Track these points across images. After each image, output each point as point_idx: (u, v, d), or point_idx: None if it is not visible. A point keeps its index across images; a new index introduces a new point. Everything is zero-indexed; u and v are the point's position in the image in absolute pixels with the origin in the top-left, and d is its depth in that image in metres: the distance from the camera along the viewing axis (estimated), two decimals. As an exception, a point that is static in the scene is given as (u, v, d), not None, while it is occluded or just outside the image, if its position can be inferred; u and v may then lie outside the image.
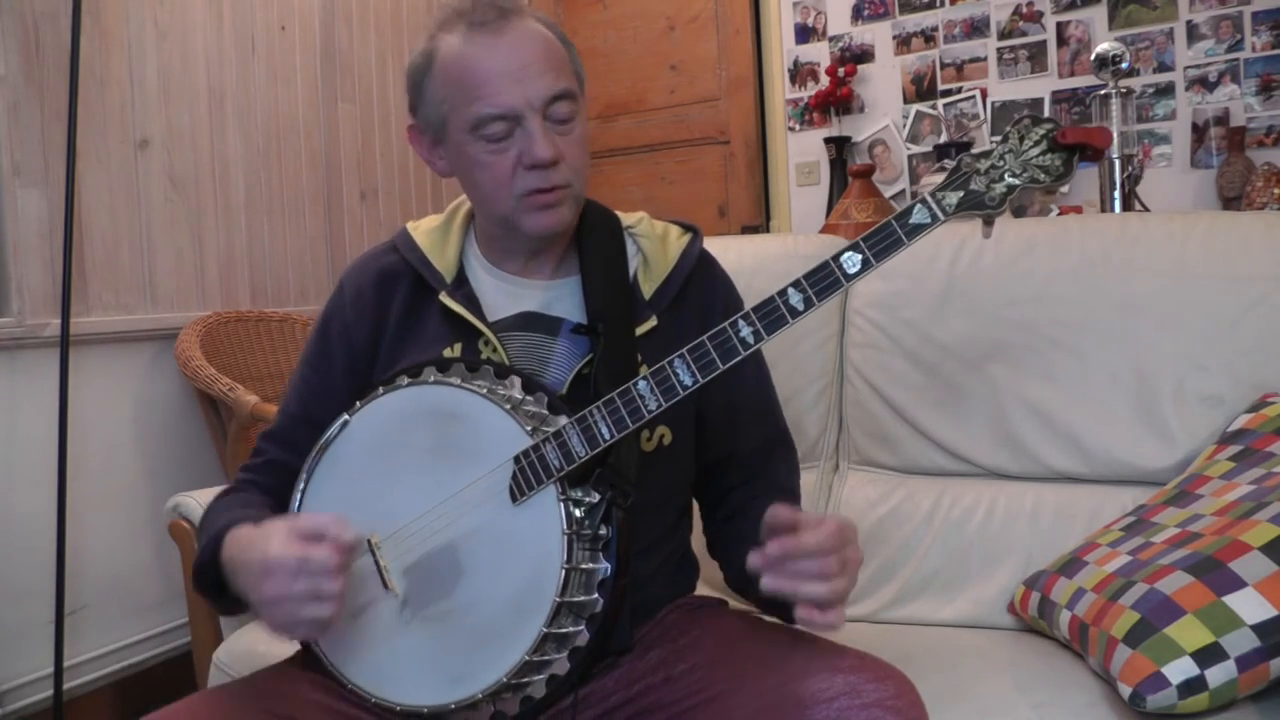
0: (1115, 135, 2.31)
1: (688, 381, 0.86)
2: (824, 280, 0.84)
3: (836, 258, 0.84)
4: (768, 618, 1.01)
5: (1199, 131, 2.63)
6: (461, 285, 1.06)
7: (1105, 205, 2.35)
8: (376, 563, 0.92)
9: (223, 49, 2.42)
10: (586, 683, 0.92)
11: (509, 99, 0.95)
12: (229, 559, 0.92)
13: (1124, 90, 2.36)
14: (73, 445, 1.99)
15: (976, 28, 2.91)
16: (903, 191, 3.03)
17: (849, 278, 0.84)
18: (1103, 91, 2.36)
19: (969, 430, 1.47)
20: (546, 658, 0.86)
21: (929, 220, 0.84)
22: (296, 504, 0.99)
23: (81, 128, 2.03)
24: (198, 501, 1.43)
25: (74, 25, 1.97)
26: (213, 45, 2.39)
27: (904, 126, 3.02)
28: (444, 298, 1.03)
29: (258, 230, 2.51)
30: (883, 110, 3.06)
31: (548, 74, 0.96)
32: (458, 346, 1.01)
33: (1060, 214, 2.72)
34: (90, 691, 2.03)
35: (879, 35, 3.05)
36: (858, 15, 3.07)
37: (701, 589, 1.16)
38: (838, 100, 3.03)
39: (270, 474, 1.07)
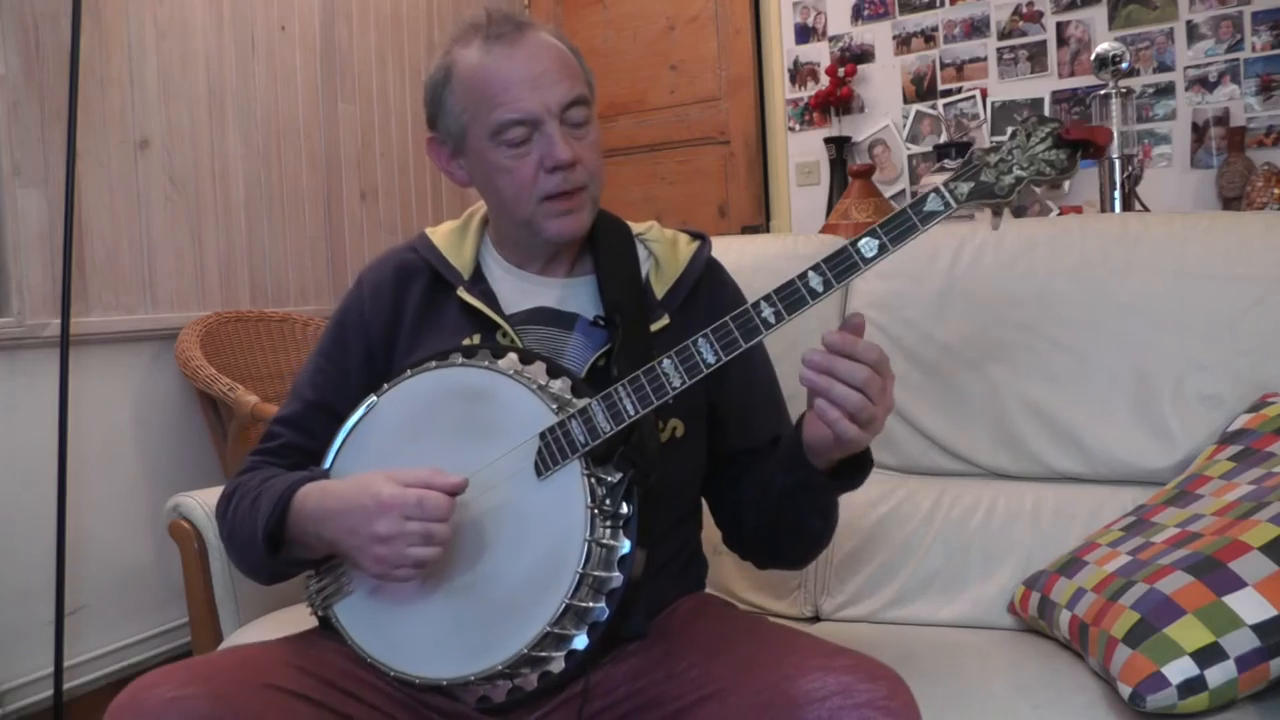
0: (1115, 135, 2.31)
1: (710, 359, 0.88)
2: (843, 263, 0.87)
3: (855, 242, 0.87)
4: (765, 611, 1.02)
5: (1199, 131, 2.63)
6: (478, 281, 1.09)
7: (1105, 205, 2.35)
8: None
9: (223, 49, 2.42)
10: (598, 669, 0.94)
11: (528, 105, 0.99)
12: (309, 511, 0.95)
13: (1124, 90, 2.36)
14: (73, 445, 1.99)
15: (976, 28, 2.91)
16: (903, 191, 3.03)
17: (866, 261, 0.87)
18: (1103, 91, 2.37)
19: (969, 430, 1.47)
20: (566, 632, 0.88)
21: (942, 208, 0.87)
22: None
23: (81, 128, 2.03)
24: (198, 501, 1.43)
25: (74, 25, 1.97)
26: (213, 45, 2.39)
27: (904, 126, 3.02)
28: (461, 292, 1.06)
29: (258, 230, 2.51)
30: (883, 110, 3.06)
31: (564, 81, 1.01)
32: (476, 338, 1.04)
33: (1060, 214, 2.72)
34: (90, 691, 2.03)
35: (879, 35, 3.05)
36: (858, 15, 3.07)
37: (709, 591, 1.17)
38: (838, 100, 3.03)
39: (286, 457, 1.09)
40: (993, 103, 2.88)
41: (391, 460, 0.95)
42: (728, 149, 3.32)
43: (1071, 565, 1.22)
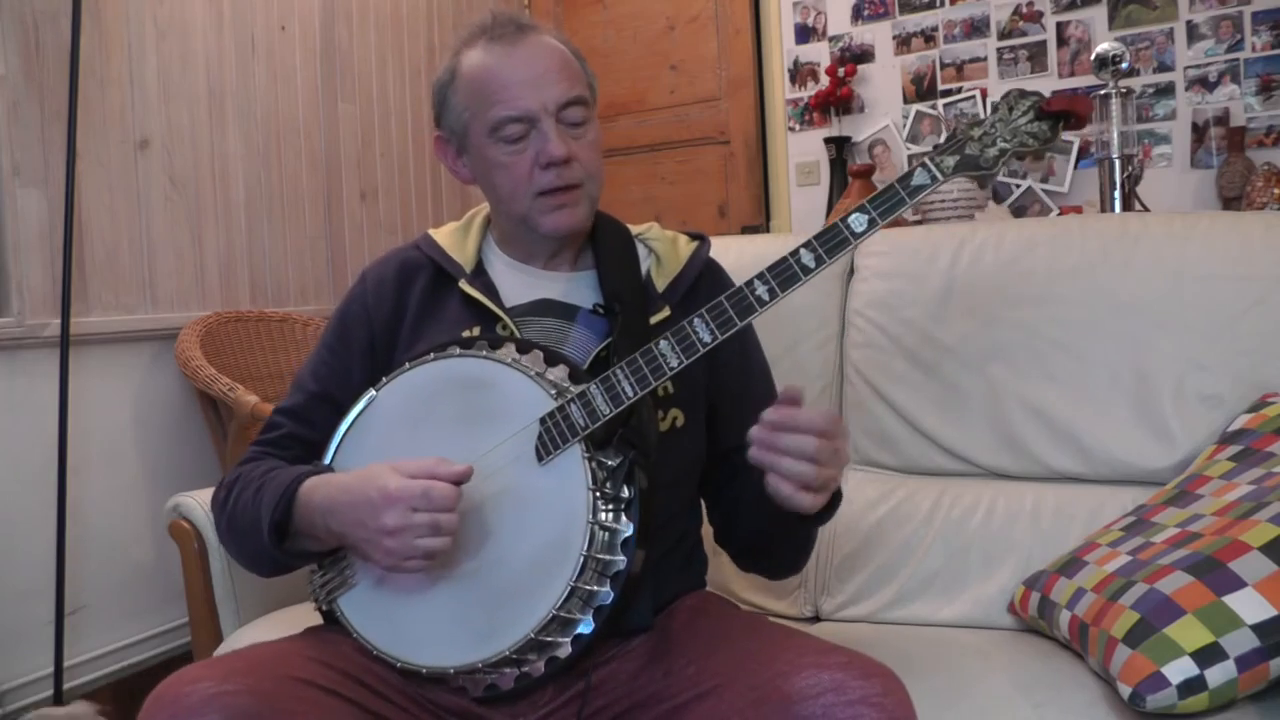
0: (1115, 135, 2.31)
1: (707, 338, 0.89)
2: (833, 239, 0.88)
3: (845, 219, 0.88)
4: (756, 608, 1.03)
5: (1199, 131, 2.63)
6: (480, 275, 1.11)
7: (1105, 205, 2.35)
8: None
9: (223, 49, 2.42)
10: (601, 667, 0.94)
11: (525, 102, 1.02)
12: (316, 504, 0.95)
13: (1124, 90, 2.36)
14: (73, 445, 1.99)
15: (976, 28, 2.91)
16: (903, 191, 3.02)
17: (856, 236, 0.88)
18: (1103, 91, 2.37)
19: (969, 430, 1.47)
20: (572, 616, 0.88)
21: (929, 181, 0.89)
22: None
23: (81, 128, 2.03)
24: (197, 501, 1.43)
25: (74, 25, 1.97)
26: (213, 45, 2.39)
27: (904, 126, 3.02)
28: (464, 285, 1.09)
29: (258, 230, 2.51)
30: (883, 110, 3.06)
31: (562, 82, 1.04)
32: (476, 330, 1.06)
33: (1060, 214, 2.72)
34: (90, 691, 2.03)
35: (879, 35, 3.05)
36: (858, 15, 3.07)
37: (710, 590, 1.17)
38: (838, 100, 3.03)
39: (288, 448, 1.10)
40: (993, 103, 2.88)
41: (393, 452, 0.96)
42: (728, 149, 3.32)
43: (1071, 565, 1.22)
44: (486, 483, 0.92)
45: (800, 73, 3.18)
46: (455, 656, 0.90)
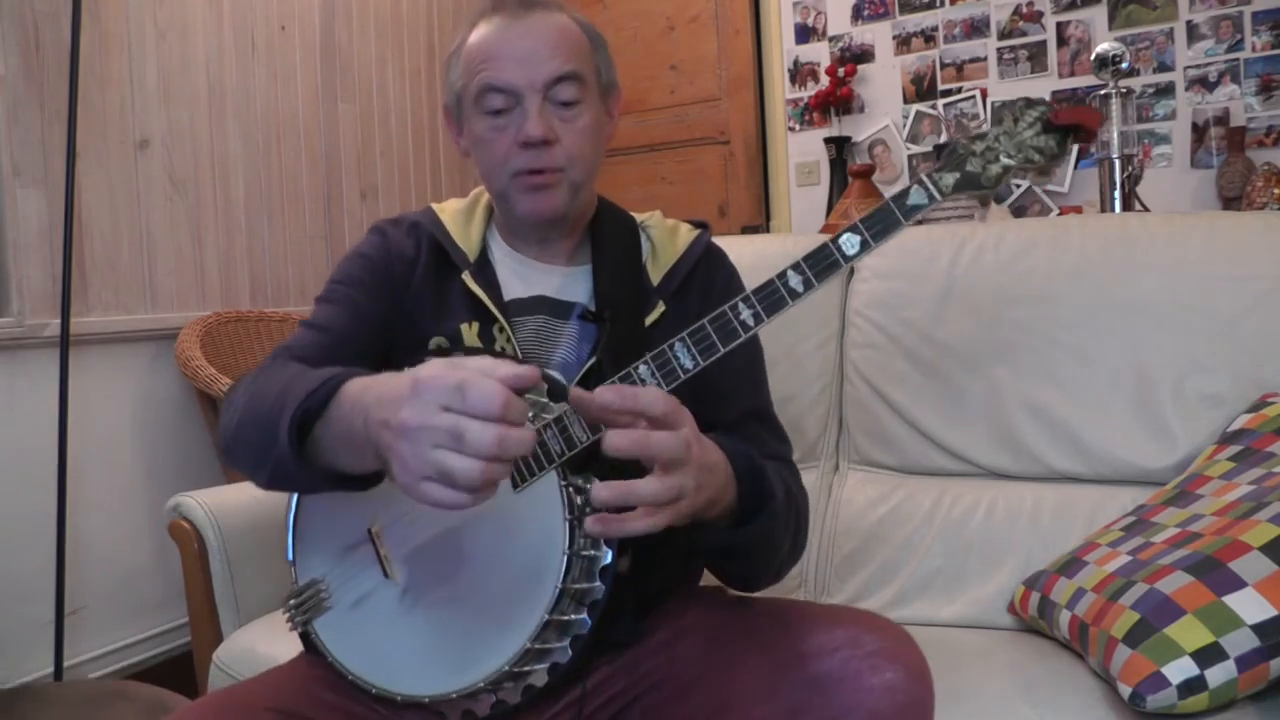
0: (1115, 135, 2.31)
1: (688, 364, 0.85)
2: (823, 262, 0.84)
3: (835, 239, 0.85)
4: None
5: (1199, 131, 2.63)
6: (483, 267, 1.09)
7: (1105, 205, 2.35)
8: (377, 551, 0.92)
9: (223, 49, 2.42)
10: (594, 672, 0.93)
11: (509, 75, 0.99)
12: (353, 395, 0.77)
13: (1124, 90, 2.36)
14: (73, 445, 1.98)
15: (976, 28, 2.91)
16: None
17: (847, 258, 0.84)
18: (1103, 91, 2.37)
19: (969, 430, 1.47)
20: (548, 645, 0.86)
21: (925, 201, 0.85)
22: (291, 511, 0.98)
23: (81, 128, 2.03)
24: (198, 501, 1.43)
25: (74, 25, 1.97)
26: (213, 45, 2.39)
27: (904, 126, 3.02)
28: (466, 278, 1.06)
29: (258, 230, 2.51)
30: (883, 110, 3.06)
31: (554, 58, 1.00)
32: (474, 325, 1.04)
33: (1060, 214, 2.72)
34: (90, 691, 2.03)
35: (879, 35, 3.05)
36: (858, 15, 3.07)
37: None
38: (838, 100, 3.03)
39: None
40: (993, 103, 2.88)
41: (351, 496, 0.89)
42: (728, 149, 3.32)
43: (1071, 565, 1.22)
44: None
45: (800, 73, 3.18)
46: (430, 685, 0.88)
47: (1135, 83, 2.67)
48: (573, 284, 1.09)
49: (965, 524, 1.42)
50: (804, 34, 3.17)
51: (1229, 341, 1.33)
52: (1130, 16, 2.71)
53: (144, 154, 2.21)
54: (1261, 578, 0.99)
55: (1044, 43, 2.82)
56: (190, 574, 1.43)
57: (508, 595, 0.86)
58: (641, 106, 3.40)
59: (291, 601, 0.98)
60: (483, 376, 0.66)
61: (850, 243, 0.84)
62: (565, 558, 0.84)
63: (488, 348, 1.03)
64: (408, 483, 0.69)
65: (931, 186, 0.85)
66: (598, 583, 0.87)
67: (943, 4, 2.94)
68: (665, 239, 1.12)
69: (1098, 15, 2.75)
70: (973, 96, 2.91)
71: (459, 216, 1.13)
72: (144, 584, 2.17)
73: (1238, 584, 0.99)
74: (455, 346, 1.03)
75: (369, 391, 0.75)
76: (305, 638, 0.99)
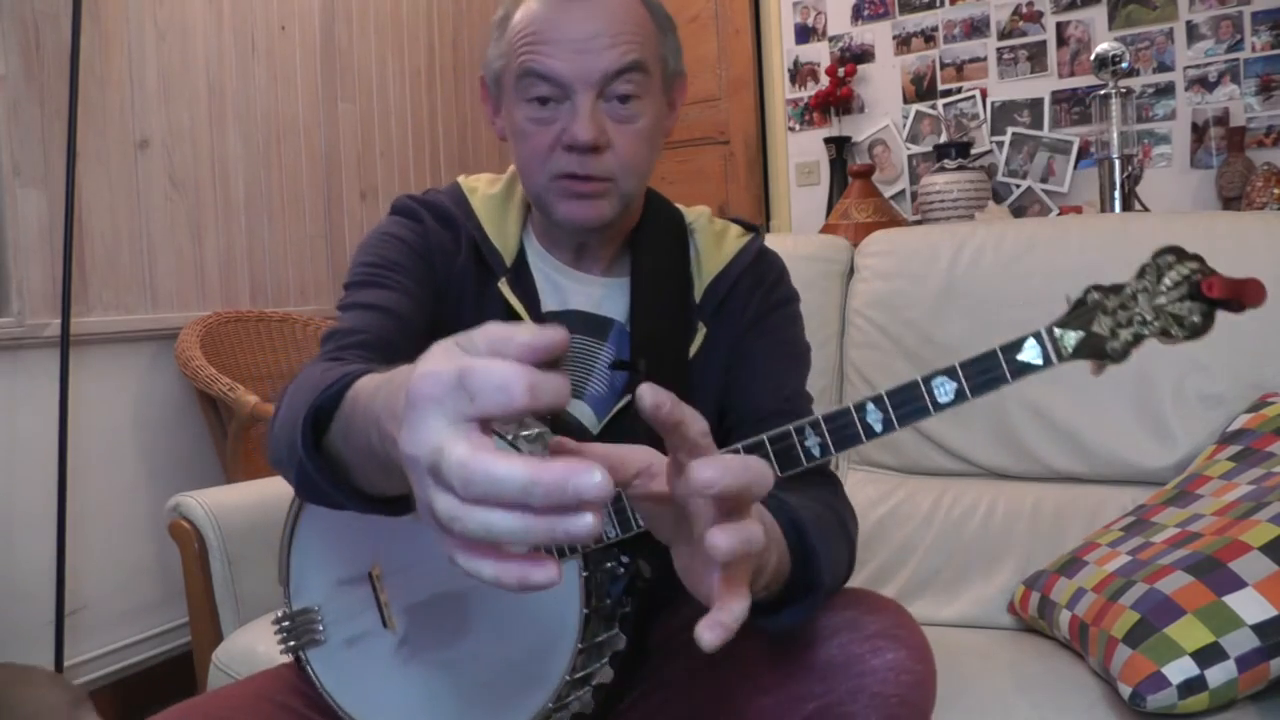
0: (1115, 135, 2.31)
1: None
2: (910, 404, 0.73)
3: (928, 380, 0.72)
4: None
5: (1199, 131, 2.63)
6: (520, 273, 0.97)
7: (1105, 205, 2.35)
8: (376, 596, 0.88)
9: (223, 49, 2.42)
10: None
11: (559, 66, 0.85)
12: (364, 409, 0.58)
13: (1124, 90, 2.36)
14: (73, 445, 1.99)
15: (976, 28, 2.91)
16: (903, 191, 3.03)
17: (939, 406, 0.72)
18: (1103, 91, 2.37)
19: (969, 430, 1.47)
20: None
21: (1040, 363, 0.71)
22: (289, 529, 0.94)
23: (81, 128, 2.03)
24: (198, 501, 1.43)
25: (74, 25, 1.97)
26: (213, 45, 2.39)
27: (904, 126, 3.02)
28: (503, 286, 0.95)
29: (258, 230, 2.51)
30: (883, 110, 3.06)
31: (616, 48, 0.85)
32: None
33: (1060, 214, 2.72)
34: (90, 691, 2.03)
35: (879, 35, 3.05)
36: (858, 15, 3.07)
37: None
38: (838, 100, 3.03)
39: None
40: (993, 103, 2.89)
41: (355, 530, 0.85)
42: (728, 149, 3.32)
43: (1071, 565, 1.22)
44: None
45: (800, 73, 3.18)
46: None
47: (1135, 83, 2.67)
48: (610, 298, 0.97)
49: (965, 524, 1.42)
50: (804, 34, 3.17)
51: (1229, 341, 1.33)
52: (1130, 16, 2.71)
53: (144, 154, 2.21)
54: (1261, 578, 0.99)
55: (1044, 43, 2.82)
56: (190, 574, 1.43)
57: (509, 672, 0.82)
58: (641, 106, 3.40)
59: (285, 624, 0.95)
60: (491, 360, 0.43)
61: (944, 389, 0.72)
62: (576, 649, 0.79)
63: None
64: (436, 535, 0.47)
65: (1050, 347, 0.72)
66: (606, 667, 0.83)
67: (943, 4, 2.94)
68: (710, 247, 0.99)
69: (1098, 15, 2.75)
70: (973, 96, 2.91)
71: (494, 210, 0.99)
72: (144, 584, 2.17)
73: (1238, 584, 0.99)
74: None
75: (377, 396, 0.55)
76: (296, 659, 0.96)
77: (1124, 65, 2.33)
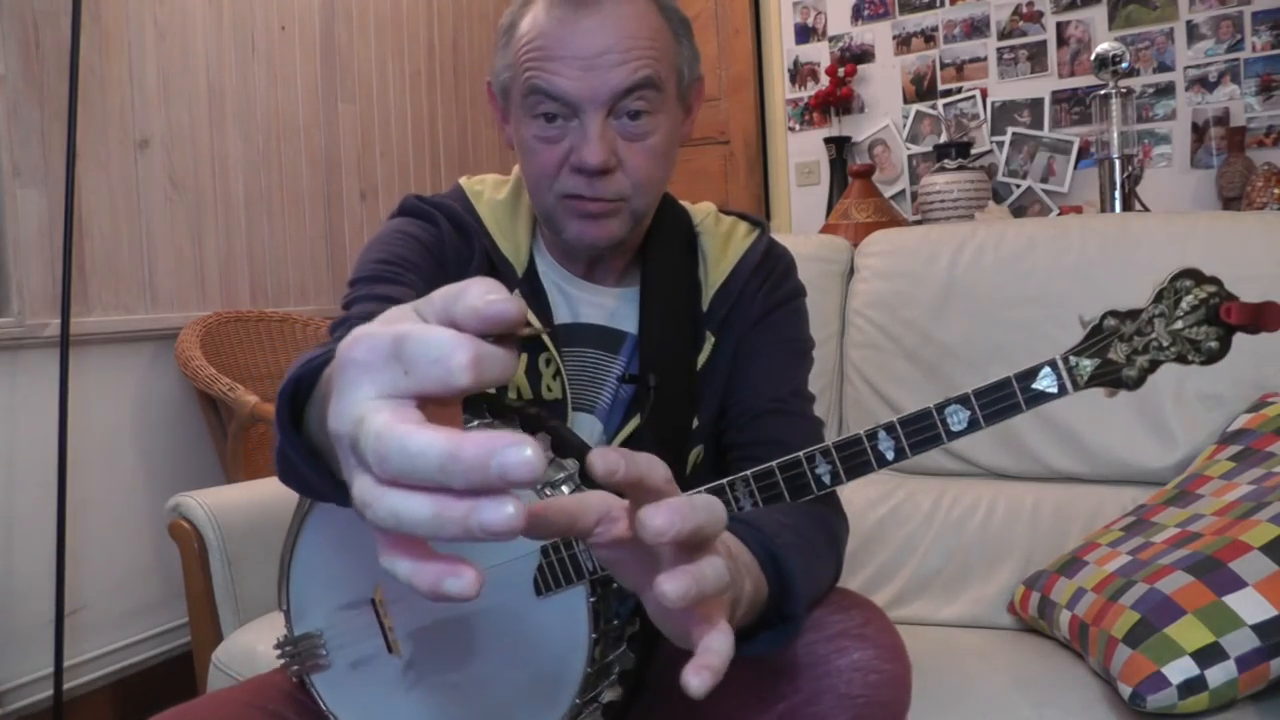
0: (1115, 135, 2.31)
1: (747, 506, 0.75)
2: (922, 432, 0.73)
3: (940, 409, 0.73)
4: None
5: (1199, 131, 2.63)
6: (532, 284, 0.94)
7: (1105, 205, 2.35)
8: (380, 621, 0.86)
9: (223, 49, 2.42)
10: None
11: (566, 85, 0.82)
12: (325, 387, 0.52)
13: (1124, 90, 2.36)
14: (73, 445, 1.99)
15: (976, 28, 2.91)
16: (903, 191, 3.03)
17: (952, 434, 0.73)
18: (1103, 91, 2.37)
19: (969, 430, 1.47)
20: None
21: (1056, 391, 0.71)
22: (287, 554, 0.93)
23: (81, 128, 2.03)
24: (198, 501, 1.43)
25: (74, 25, 1.97)
26: (213, 45, 2.39)
27: (904, 126, 3.02)
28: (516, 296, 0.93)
29: (258, 230, 2.51)
30: (883, 110, 3.06)
31: (627, 64, 0.82)
32: (523, 357, 0.91)
33: (1060, 214, 2.72)
34: (90, 691, 2.03)
35: (879, 35, 3.05)
36: (858, 15, 3.07)
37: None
38: (838, 100, 3.03)
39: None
40: (993, 103, 2.89)
41: (355, 554, 0.83)
42: (728, 149, 3.32)
43: (1071, 565, 1.22)
44: (479, 597, 0.83)
45: (800, 73, 3.18)
46: None
47: (1135, 83, 2.67)
48: (623, 309, 0.95)
49: (965, 524, 1.42)
50: (804, 34, 3.17)
51: (1229, 341, 1.33)
52: (1130, 16, 2.71)
53: (144, 154, 2.21)
54: (1261, 578, 0.99)
55: (1044, 43, 2.82)
56: (190, 574, 1.43)
57: (520, 697, 0.81)
58: (641, 106, 3.40)
59: (288, 648, 0.94)
60: (430, 328, 0.37)
61: (957, 417, 0.72)
62: (585, 674, 0.78)
63: (533, 383, 0.91)
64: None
65: (1066, 375, 0.71)
66: (617, 687, 0.82)
67: (943, 4, 2.94)
68: (718, 251, 0.96)
69: (1098, 15, 2.75)
70: (973, 96, 2.91)
71: (502, 218, 0.95)
72: (144, 584, 2.17)
73: (1238, 584, 0.99)
74: (528, 364, 0.89)
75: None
76: (300, 683, 0.95)
77: (1124, 65, 2.33)
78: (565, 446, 0.80)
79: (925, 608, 1.39)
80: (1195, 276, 0.71)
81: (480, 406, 0.83)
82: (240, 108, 2.46)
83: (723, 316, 0.95)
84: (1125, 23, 2.72)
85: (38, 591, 1.94)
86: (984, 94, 2.90)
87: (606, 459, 0.48)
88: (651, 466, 0.50)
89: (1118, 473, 1.38)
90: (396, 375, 0.37)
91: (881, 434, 0.72)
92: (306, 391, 0.57)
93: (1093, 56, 2.41)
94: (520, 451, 0.34)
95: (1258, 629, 0.96)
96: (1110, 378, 0.71)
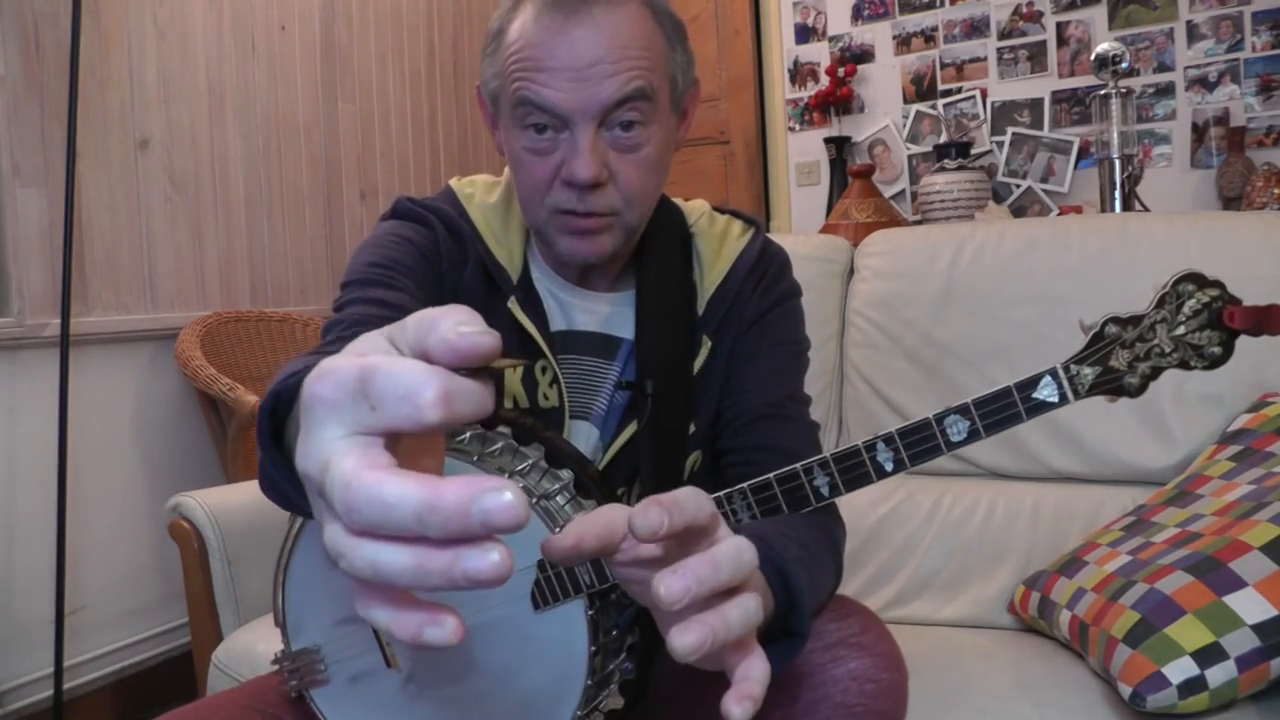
0: (1115, 135, 2.31)
1: (745, 519, 0.75)
2: (920, 444, 0.72)
3: (940, 419, 0.71)
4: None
5: (1199, 131, 2.63)
6: (527, 290, 0.93)
7: (1105, 205, 2.35)
8: (378, 636, 0.86)
9: (223, 49, 2.42)
10: None
11: (556, 97, 0.80)
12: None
13: (1124, 90, 2.36)
14: (73, 445, 1.99)
15: (976, 28, 2.91)
16: (903, 191, 3.03)
17: (951, 444, 0.71)
18: (1103, 91, 2.37)
19: (969, 430, 1.47)
20: None
21: (1057, 400, 0.70)
22: (281, 569, 0.93)
23: (81, 128, 2.03)
24: (198, 501, 1.43)
25: (74, 25, 1.97)
26: (213, 45, 2.39)
27: (904, 126, 3.02)
28: (513, 305, 0.90)
29: (258, 230, 2.51)
30: (883, 110, 3.06)
31: (618, 75, 0.80)
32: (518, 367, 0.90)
33: (1060, 214, 2.72)
34: (90, 691, 2.03)
35: (879, 35, 3.05)
36: (858, 15, 3.07)
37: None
38: (838, 100, 3.03)
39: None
40: (993, 103, 2.89)
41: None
42: (728, 149, 3.32)
43: (1071, 565, 1.22)
44: (474, 613, 0.83)
45: (800, 73, 3.18)
46: None
47: (1135, 83, 2.67)
48: (618, 315, 0.94)
49: (965, 524, 1.42)
50: (804, 34, 3.17)
51: (1229, 341, 1.33)
52: (1130, 16, 2.71)
53: (144, 154, 2.21)
54: (1261, 578, 0.99)
55: (1044, 43, 2.82)
56: (190, 574, 1.43)
57: (521, 710, 0.81)
58: (641, 106, 3.40)
59: (286, 665, 0.93)
60: (398, 361, 0.35)
61: (957, 428, 0.71)
62: (585, 688, 0.78)
63: (529, 391, 0.90)
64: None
65: (1067, 384, 0.70)
66: (619, 697, 0.82)
67: (943, 4, 2.94)
68: (712, 253, 0.95)
69: (1098, 15, 2.75)
70: (973, 96, 2.91)
71: (495, 223, 0.93)
72: (144, 584, 2.17)
73: (1238, 584, 0.99)
74: (525, 373, 0.89)
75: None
76: (300, 698, 0.94)
77: (1124, 65, 2.33)
78: (560, 456, 0.79)
79: (925, 608, 1.39)
80: (1197, 280, 0.70)
81: (476, 436, 0.82)
82: (240, 108, 2.46)
83: (718, 320, 0.94)
84: (1125, 23, 2.72)
85: (38, 591, 1.94)
86: (984, 94, 2.90)
87: (648, 520, 0.47)
88: (692, 501, 0.49)
89: (1118, 473, 1.38)
90: (363, 412, 0.35)
91: (880, 445, 0.72)
92: (286, 406, 0.55)
93: (1093, 56, 2.41)
94: (500, 496, 0.33)
95: (1258, 629, 0.96)
96: (1112, 385, 0.70)
